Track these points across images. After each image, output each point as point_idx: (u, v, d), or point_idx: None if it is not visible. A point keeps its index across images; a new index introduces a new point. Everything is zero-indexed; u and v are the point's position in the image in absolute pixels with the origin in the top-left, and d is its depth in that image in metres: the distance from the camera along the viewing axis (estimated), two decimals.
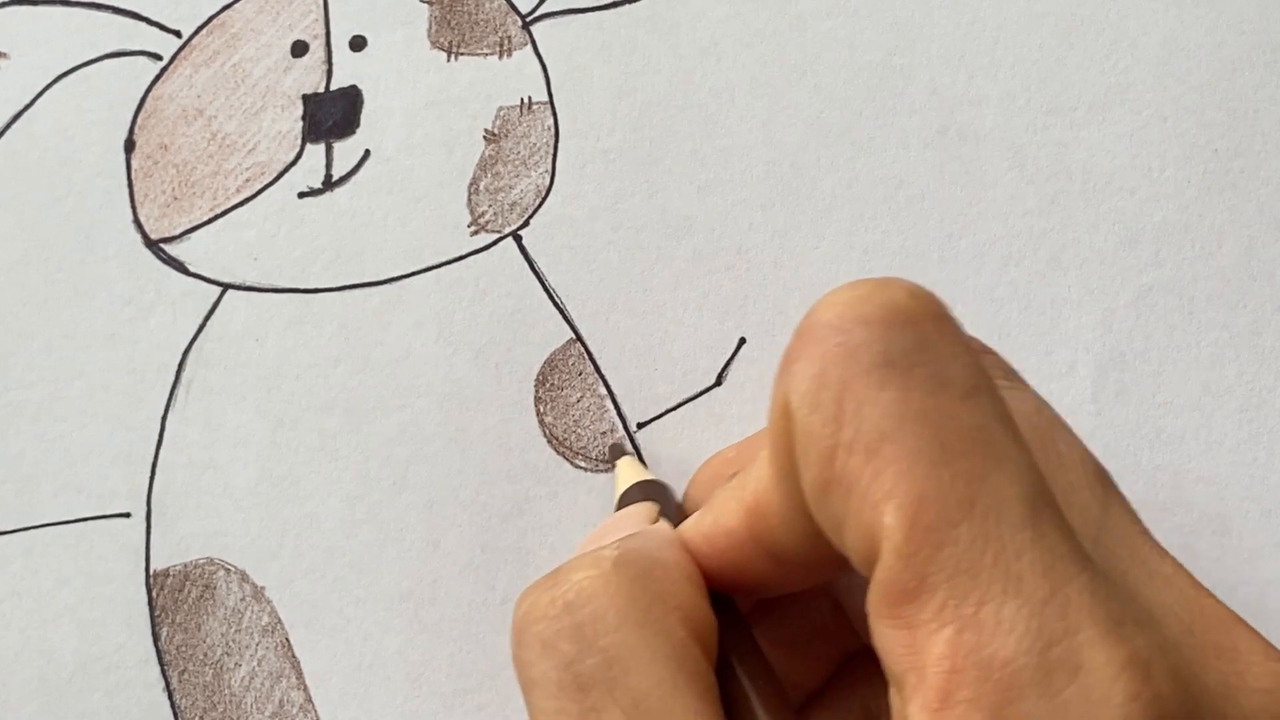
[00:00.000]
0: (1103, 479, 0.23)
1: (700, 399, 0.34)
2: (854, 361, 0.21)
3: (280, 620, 0.33)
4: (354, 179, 0.35)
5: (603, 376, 0.34)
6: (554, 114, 0.35)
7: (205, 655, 0.33)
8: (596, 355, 0.34)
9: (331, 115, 0.35)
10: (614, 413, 0.34)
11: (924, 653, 0.19)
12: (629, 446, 0.34)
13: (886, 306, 0.21)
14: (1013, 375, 0.26)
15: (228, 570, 0.33)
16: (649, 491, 0.31)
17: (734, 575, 0.25)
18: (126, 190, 0.35)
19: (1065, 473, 0.23)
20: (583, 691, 0.22)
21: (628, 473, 0.32)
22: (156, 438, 0.34)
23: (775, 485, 0.23)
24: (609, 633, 0.22)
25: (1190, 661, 0.20)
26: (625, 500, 0.31)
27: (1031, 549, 0.19)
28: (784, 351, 0.22)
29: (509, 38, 0.36)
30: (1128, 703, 0.18)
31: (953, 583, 0.19)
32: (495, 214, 0.35)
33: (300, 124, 0.35)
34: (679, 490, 0.32)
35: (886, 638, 0.20)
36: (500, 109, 0.35)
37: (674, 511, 0.29)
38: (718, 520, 0.25)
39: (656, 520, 0.28)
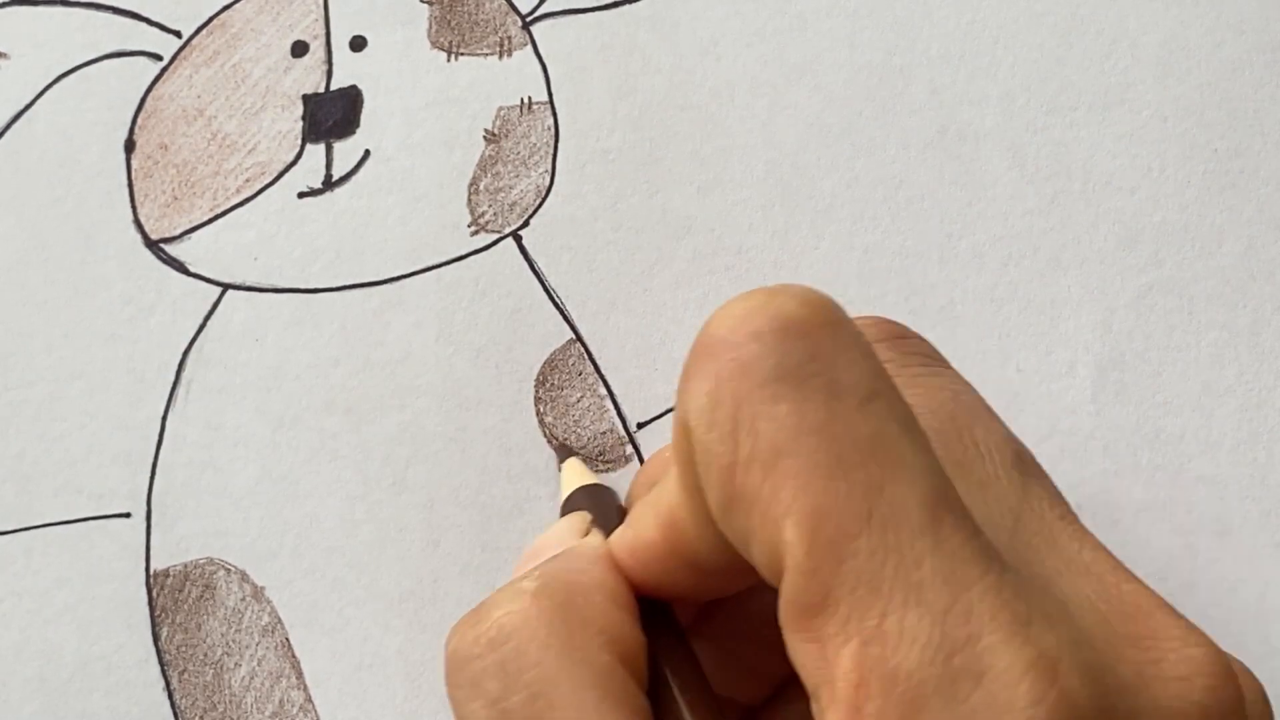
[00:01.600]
0: (1022, 464, 0.23)
1: None
2: (747, 377, 0.20)
3: (280, 620, 0.33)
4: (354, 179, 0.35)
5: (603, 376, 0.34)
6: (554, 114, 0.35)
7: (205, 655, 0.33)
8: (596, 355, 0.34)
9: (331, 115, 0.35)
10: (614, 413, 0.34)
11: (833, 666, 0.19)
12: (575, 448, 0.34)
13: (778, 317, 0.21)
14: (933, 358, 0.26)
15: (228, 570, 0.33)
16: (592, 496, 0.30)
17: (661, 585, 0.25)
18: (126, 190, 0.35)
19: (981, 463, 0.23)
20: None
21: (571, 477, 0.32)
22: (156, 438, 0.34)
23: (685, 500, 0.23)
24: (531, 667, 0.22)
25: (1104, 654, 0.20)
26: (568, 506, 0.31)
27: (932, 556, 0.19)
28: (682, 368, 0.22)
29: (509, 38, 0.36)
30: (1032, 705, 0.18)
31: (855, 596, 0.19)
32: (495, 214, 0.35)
33: (300, 124, 0.35)
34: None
35: (798, 650, 0.20)
36: (500, 109, 0.35)
37: (615, 517, 0.28)
38: (638, 533, 0.25)
39: (588, 532, 0.27)
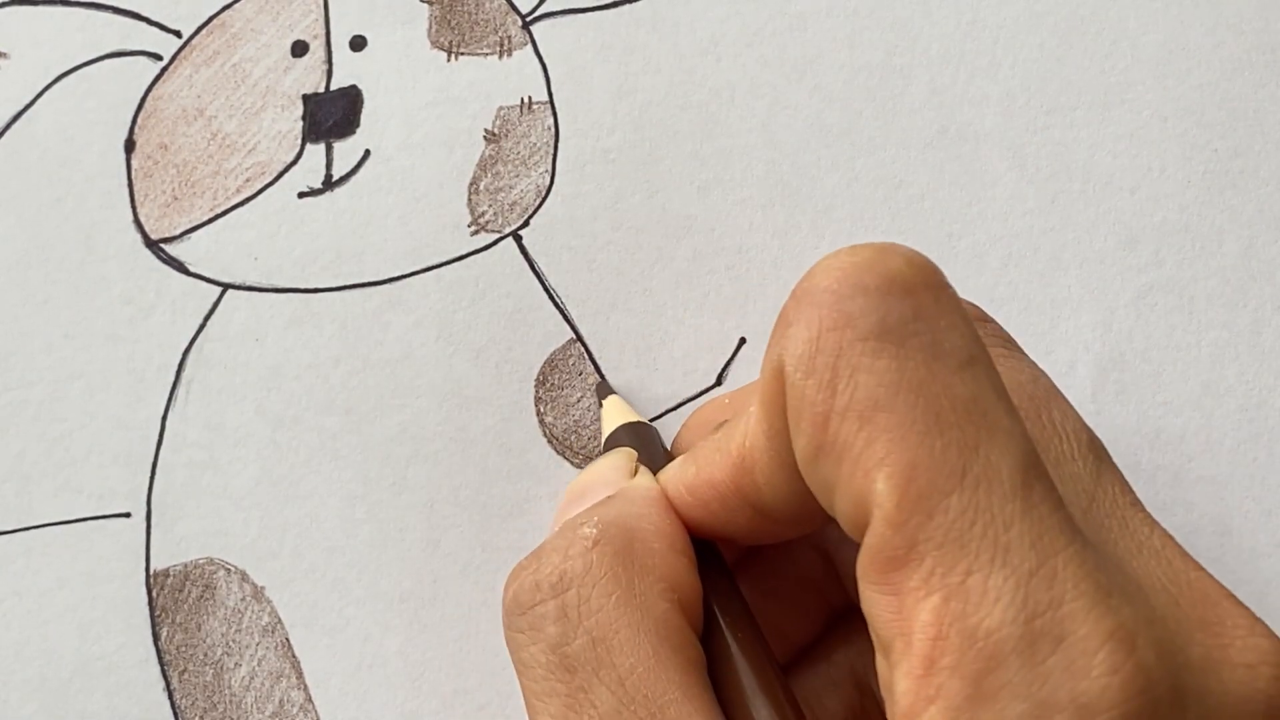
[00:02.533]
0: (1096, 449, 0.24)
1: (701, 399, 0.34)
2: (850, 328, 0.21)
3: (280, 620, 0.33)
4: (354, 179, 0.35)
5: (603, 376, 0.34)
6: (554, 114, 0.35)
7: (205, 655, 0.33)
8: (597, 355, 0.34)
9: (331, 115, 0.35)
10: None
11: (910, 619, 0.20)
12: (614, 387, 0.34)
13: (885, 274, 0.21)
14: (1011, 344, 0.26)
15: (228, 570, 0.33)
16: (637, 434, 0.30)
17: (716, 526, 0.26)
18: (126, 190, 0.35)
19: (1058, 442, 0.23)
20: (570, 672, 0.23)
21: (614, 414, 0.32)
22: (156, 437, 0.34)
23: (764, 443, 0.23)
24: (593, 613, 0.23)
25: (1175, 635, 0.20)
26: (611, 443, 0.31)
27: (1021, 520, 0.19)
28: (780, 313, 0.22)
29: (509, 38, 0.36)
30: (1109, 674, 0.19)
31: (941, 551, 0.19)
32: (495, 214, 0.35)
33: (300, 124, 0.35)
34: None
35: (874, 603, 0.20)
36: (500, 109, 0.35)
37: (661, 458, 0.29)
38: (701, 471, 0.25)
39: (636, 471, 0.28)
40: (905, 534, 0.20)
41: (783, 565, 0.29)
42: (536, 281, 0.34)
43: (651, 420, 0.34)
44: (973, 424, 0.20)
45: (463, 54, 0.36)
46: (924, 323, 0.21)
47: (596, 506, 0.25)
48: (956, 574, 0.19)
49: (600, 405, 0.33)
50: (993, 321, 0.26)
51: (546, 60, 0.36)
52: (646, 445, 0.30)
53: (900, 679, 0.20)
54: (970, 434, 0.20)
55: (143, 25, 0.36)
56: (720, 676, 0.24)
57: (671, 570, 0.24)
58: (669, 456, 0.29)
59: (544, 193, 0.35)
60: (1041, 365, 0.33)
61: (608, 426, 0.32)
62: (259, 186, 0.35)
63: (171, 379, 0.34)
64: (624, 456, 0.28)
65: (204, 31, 0.36)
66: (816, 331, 0.21)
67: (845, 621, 0.29)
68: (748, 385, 0.31)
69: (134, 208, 0.35)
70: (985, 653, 0.19)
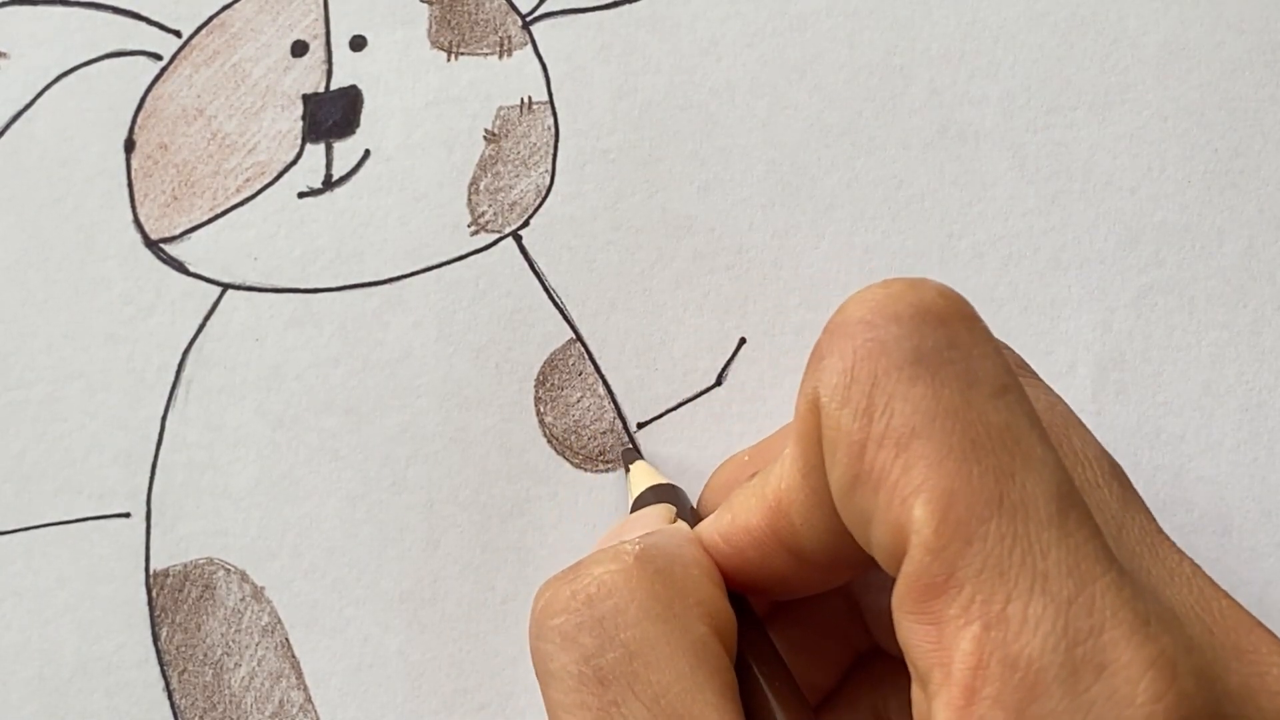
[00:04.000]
0: (1119, 476, 0.24)
1: (701, 399, 0.34)
2: (885, 357, 0.21)
3: (280, 620, 0.33)
4: (354, 179, 0.35)
5: (603, 376, 0.34)
6: (554, 114, 0.35)
7: (205, 655, 0.33)
8: (596, 355, 0.34)
9: (331, 115, 0.35)
10: (614, 413, 0.34)
11: (950, 649, 0.20)
12: (642, 452, 0.34)
13: (918, 305, 0.22)
14: (1026, 369, 0.26)
15: (227, 570, 0.33)
16: (664, 495, 0.30)
17: (752, 574, 0.25)
18: (126, 190, 0.35)
19: (1082, 469, 0.23)
20: (603, 685, 0.22)
21: (642, 478, 0.32)
22: (156, 438, 0.34)
23: (800, 481, 0.23)
24: (630, 626, 0.23)
25: (1213, 663, 0.20)
26: (640, 504, 0.31)
27: (1058, 546, 0.19)
28: (814, 348, 0.22)
29: (509, 38, 0.36)
30: (1152, 702, 0.19)
31: (980, 579, 0.19)
32: (495, 214, 0.35)
33: (300, 124, 0.35)
34: (693, 495, 0.32)
35: (913, 633, 0.20)
36: (500, 109, 0.35)
37: (689, 515, 0.29)
38: (736, 518, 0.25)
39: (674, 521, 0.28)
40: (944, 561, 0.20)
41: (807, 613, 0.28)
42: (536, 281, 0.34)
43: (651, 420, 0.34)
44: (1008, 451, 0.20)
45: (463, 54, 0.36)
46: (958, 351, 0.21)
47: (637, 537, 0.25)
48: (996, 602, 0.19)
49: (626, 471, 0.33)
50: (1007, 347, 0.26)
51: (546, 60, 0.36)
52: (677, 506, 0.30)
53: (940, 709, 0.20)
54: (1006, 461, 0.20)
55: (142, 25, 0.36)
56: (753, 716, 0.24)
57: (710, 597, 0.24)
58: (697, 516, 0.29)
59: (544, 193, 0.35)
60: (1041, 365, 0.33)
61: (636, 488, 0.32)
62: (259, 186, 0.35)
63: (171, 379, 0.34)
64: (662, 509, 0.28)
65: (204, 31, 0.36)
66: (851, 361, 0.21)
67: (868, 664, 0.29)
68: (768, 438, 0.31)
69: (134, 207, 0.35)
70: (1027, 682, 0.19)
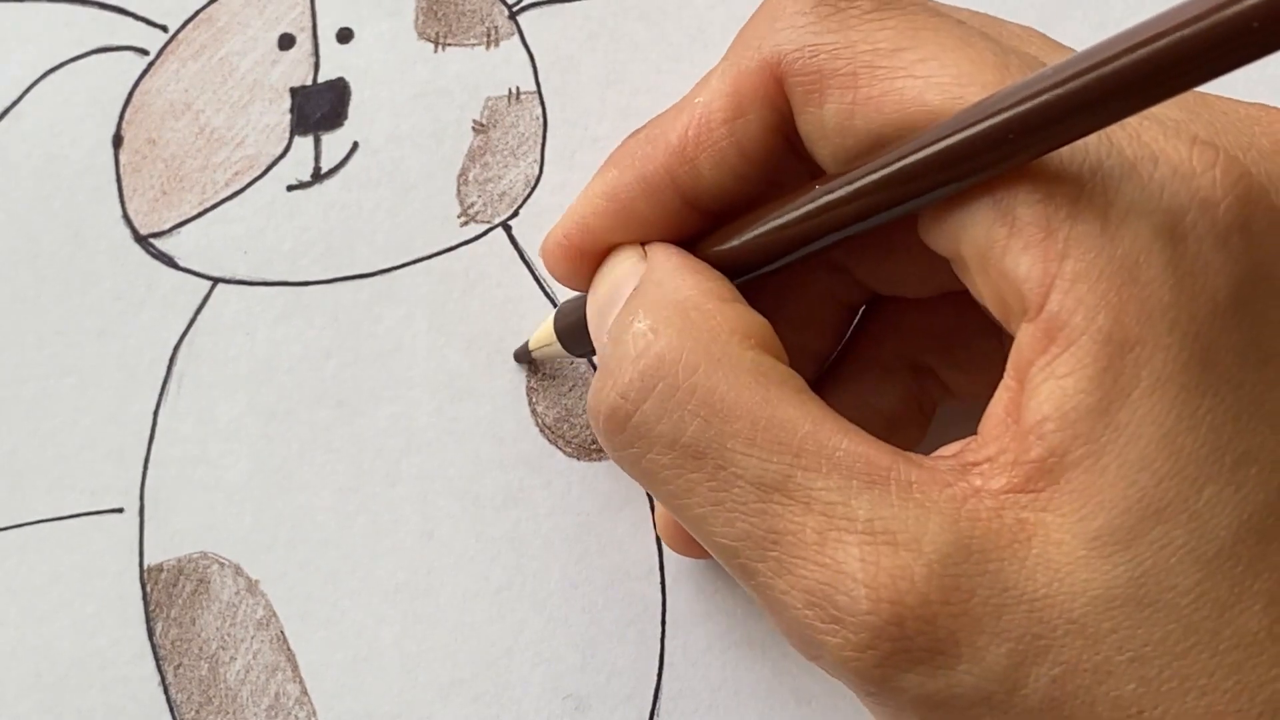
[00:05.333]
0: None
1: None
2: (852, 9, 0.23)
3: (275, 613, 0.33)
4: (343, 171, 0.35)
5: (593, 365, 0.34)
6: (542, 103, 0.35)
7: (200, 649, 0.33)
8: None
9: (319, 108, 0.35)
10: None
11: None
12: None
13: None
14: None
15: (222, 564, 0.33)
16: (572, 303, 0.30)
17: (634, 230, 0.27)
18: (115, 185, 0.35)
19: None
20: (699, 458, 0.22)
21: (543, 329, 0.32)
22: (148, 433, 0.34)
23: (722, 131, 0.25)
24: (690, 395, 0.23)
25: (1239, 133, 0.23)
26: (564, 320, 0.30)
27: None
28: (755, 18, 0.25)
29: (496, 28, 0.36)
30: (1208, 169, 0.20)
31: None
32: (484, 204, 0.35)
33: (288, 117, 0.35)
34: None
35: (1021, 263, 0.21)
36: (488, 99, 0.35)
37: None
38: (625, 171, 0.26)
39: (644, 257, 0.27)
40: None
41: (787, 286, 0.29)
42: (527, 271, 0.34)
43: None
44: (992, 40, 0.23)
45: (450, 45, 0.36)
46: None
47: (632, 301, 0.25)
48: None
49: (530, 360, 0.33)
50: None
51: (534, 50, 0.36)
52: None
53: (1019, 259, 0.21)
54: (995, 45, 0.22)
55: (129, 20, 0.36)
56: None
57: (736, 319, 0.24)
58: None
59: (533, 182, 0.35)
60: None
61: (545, 330, 0.32)
62: (248, 180, 0.35)
63: (163, 374, 0.34)
64: (630, 250, 0.27)
65: (190, 25, 0.36)
66: (815, 18, 0.23)
67: (881, 315, 0.30)
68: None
69: (123, 203, 0.35)
70: (1099, 193, 0.20)
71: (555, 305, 0.34)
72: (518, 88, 0.35)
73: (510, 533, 0.33)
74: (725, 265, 0.26)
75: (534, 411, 0.34)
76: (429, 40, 0.36)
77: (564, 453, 0.34)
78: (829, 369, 0.30)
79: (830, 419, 0.22)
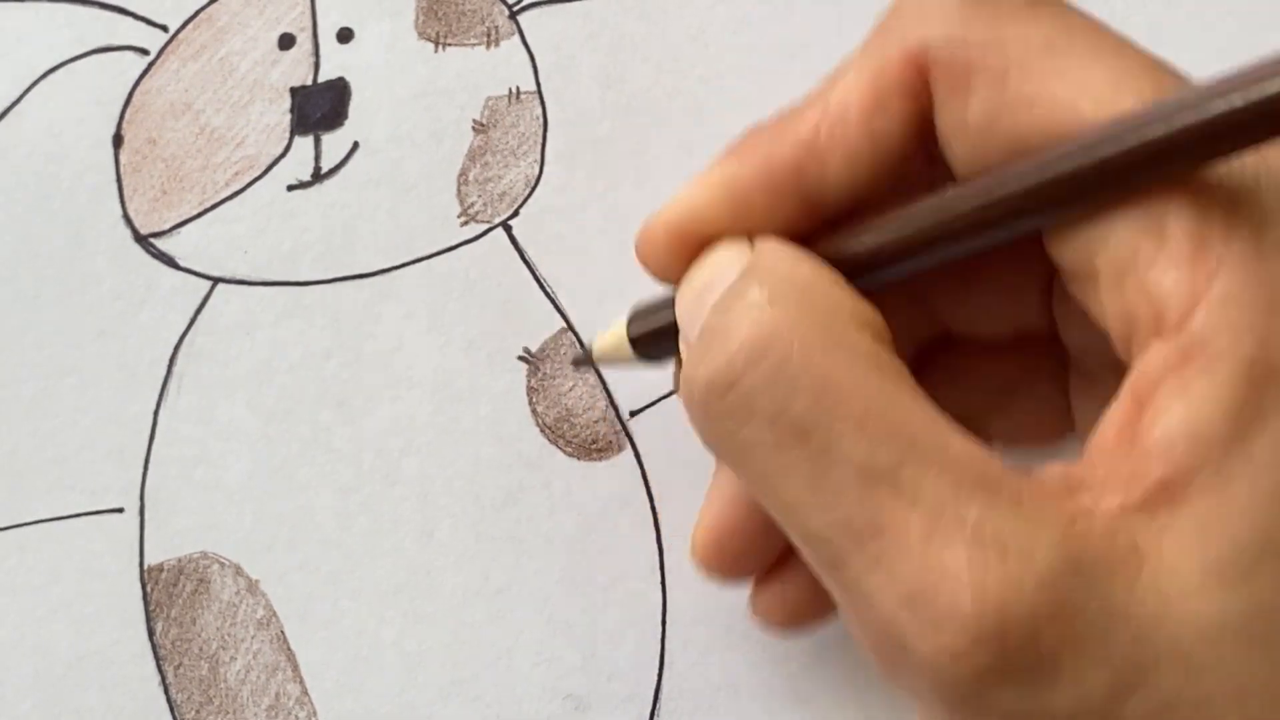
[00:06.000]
0: None
1: None
2: (1001, 4, 0.22)
3: (275, 613, 0.33)
4: (343, 171, 0.35)
5: (594, 365, 0.34)
6: (542, 103, 0.35)
7: (200, 649, 0.33)
8: (588, 344, 0.34)
9: (319, 108, 0.35)
10: (605, 401, 0.34)
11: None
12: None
13: None
14: None
15: (222, 564, 0.33)
16: (647, 306, 0.28)
17: (750, 222, 0.25)
18: (115, 185, 0.35)
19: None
20: (804, 437, 0.21)
21: (610, 334, 0.30)
22: (149, 433, 0.34)
23: (859, 128, 0.24)
24: (804, 370, 0.21)
25: None
26: (640, 315, 0.29)
27: None
28: (892, 10, 0.24)
29: (496, 28, 0.36)
30: None
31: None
32: (485, 204, 0.35)
33: (288, 117, 0.35)
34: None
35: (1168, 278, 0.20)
36: (488, 99, 0.35)
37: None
38: (747, 162, 0.25)
39: (750, 249, 0.25)
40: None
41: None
42: (527, 271, 0.34)
43: (644, 408, 0.34)
44: (1140, 51, 0.22)
45: (450, 44, 0.36)
46: None
47: (745, 277, 0.23)
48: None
49: (592, 363, 0.31)
50: None
51: (534, 50, 0.36)
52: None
53: (1165, 274, 0.20)
54: (1149, 54, 0.21)
55: (129, 20, 0.36)
56: None
57: (855, 306, 0.23)
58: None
59: (533, 182, 0.35)
60: None
61: (613, 337, 0.29)
62: (248, 180, 0.35)
63: (163, 374, 0.34)
64: (736, 241, 0.25)
65: (190, 25, 0.36)
66: (964, 10, 0.22)
67: (937, 359, 0.28)
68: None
69: (123, 203, 0.35)
70: (1254, 214, 0.20)
71: (557, 307, 0.34)
72: (518, 87, 0.35)
73: (510, 533, 0.33)
74: (840, 266, 0.24)
75: (534, 411, 0.34)
76: (429, 40, 0.36)
77: (564, 453, 0.34)
78: None
79: (943, 419, 0.21)
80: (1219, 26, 0.35)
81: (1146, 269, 0.20)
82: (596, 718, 0.32)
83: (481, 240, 0.35)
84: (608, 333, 0.29)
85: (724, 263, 0.25)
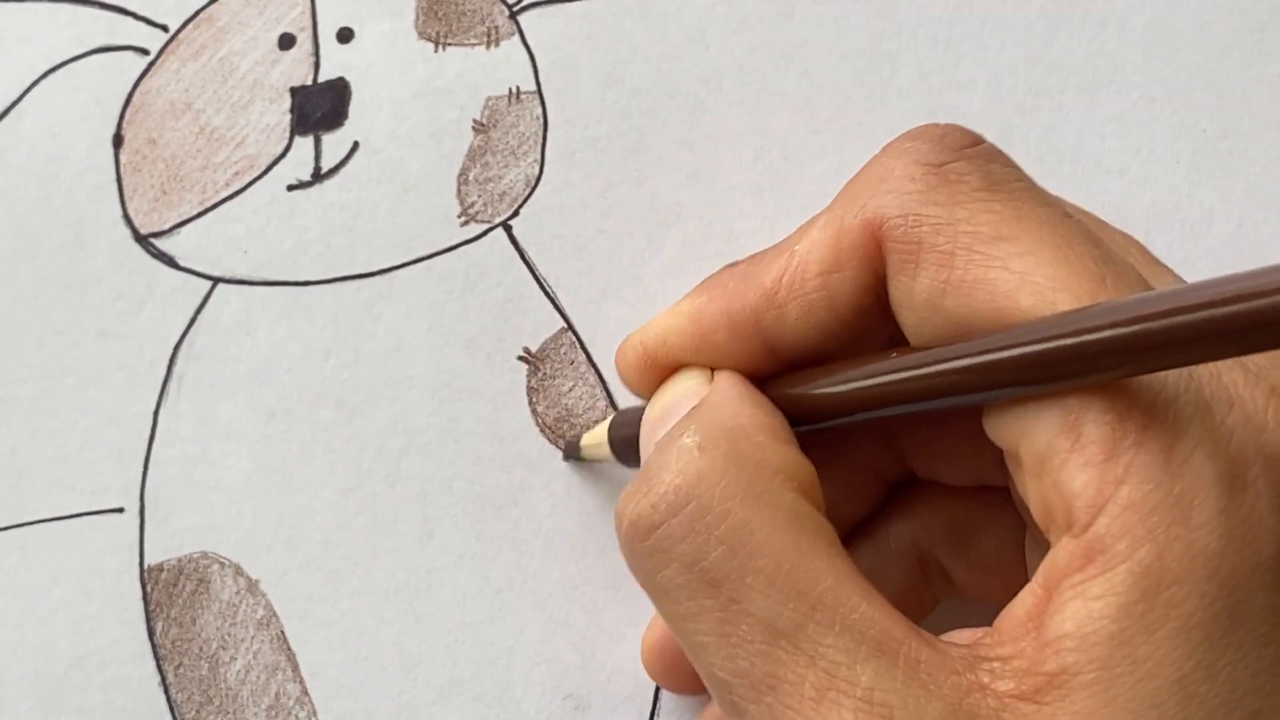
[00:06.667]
0: (1142, 245, 0.27)
1: None
2: (961, 183, 0.23)
3: (275, 613, 0.33)
4: (343, 171, 0.35)
5: (594, 365, 0.34)
6: (542, 103, 0.35)
7: (200, 649, 0.33)
8: (588, 344, 0.34)
9: (319, 107, 0.35)
10: (606, 401, 0.34)
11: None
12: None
13: (976, 139, 0.24)
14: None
15: (222, 564, 0.33)
16: (627, 419, 0.30)
17: (709, 356, 0.27)
18: (115, 185, 0.35)
19: (1123, 252, 0.25)
20: (715, 586, 0.22)
21: (595, 431, 0.32)
22: (149, 433, 0.34)
23: (816, 282, 0.25)
24: (720, 521, 0.22)
25: None
26: (619, 430, 0.31)
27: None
28: (865, 170, 0.25)
29: (496, 28, 0.36)
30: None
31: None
32: (485, 204, 0.35)
33: (288, 117, 0.35)
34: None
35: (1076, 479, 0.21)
36: (488, 99, 0.35)
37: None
38: (714, 300, 0.27)
39: (709, 380, 0.27)
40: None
41: (837, 445, 0.29)
42: (527, 271, 0.34)
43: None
44: (1090, 243, 0.22)
45: (450, 44, 0.36)
46: (1021, 175, 0.24)
47: (687, 417, 0.25)
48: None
49: (579, 458, 0.33)
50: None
51: (534, 50, 0.36)
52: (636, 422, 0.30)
53: (1076, 474, 0.21)
54: (1093, 250, 0.22)
55: (129, 20, 0.36)
56: None
57: (784, 459, 0.23)
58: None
59: (533, 182, 0.35)
60: None
61: (599, 436, 0.32)
62: (248, 180, 0.35)
63: (163, 374, 0.34)
64: (697, 372, 0.28)
65: (190, 25, 0.36)
66: (922, 186, 0.23)
67: (902, 497, 0.29)
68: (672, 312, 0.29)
69: (123, 203, 0.35)
70: (1168, 426, 0.20)
71: (557, 307, 0.34)
72: (518, 87, 0.35)
73: (510, 533, 0.33)
74: (788, 409, 0.26)
75: (534, 411, 0.34)
76: (429, 40, 0.36)
77: (564, 452, 0.34)
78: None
79: (854, 579, 0.22)
80: (1219, 25, 0.35)
81: (1061, 467, 0.21)
82: (597, 718, 0.32)
83: (482, 240, 0.35)
84: (595, 431, 0.32)
85: (681, 394, 0.27)
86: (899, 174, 0.24)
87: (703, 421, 0.24)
